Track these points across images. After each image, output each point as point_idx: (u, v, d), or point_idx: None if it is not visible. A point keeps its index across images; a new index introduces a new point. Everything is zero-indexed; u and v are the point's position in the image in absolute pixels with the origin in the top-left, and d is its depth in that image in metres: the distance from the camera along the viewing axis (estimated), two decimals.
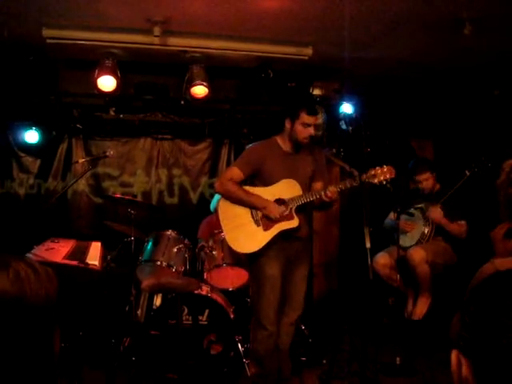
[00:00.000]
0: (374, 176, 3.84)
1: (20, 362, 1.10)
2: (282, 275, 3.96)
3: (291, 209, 3.90)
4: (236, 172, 4.00)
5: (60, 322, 1.23)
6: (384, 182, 3.85)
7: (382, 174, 3.84)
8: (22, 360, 1.11)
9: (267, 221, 3.92)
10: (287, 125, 3.97)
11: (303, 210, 4.02)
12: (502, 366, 0.90)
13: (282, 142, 4.05)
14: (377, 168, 3.86)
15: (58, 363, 1.22)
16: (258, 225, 3.94)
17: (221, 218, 4.06)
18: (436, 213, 5.05)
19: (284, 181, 3.95)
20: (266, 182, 3.98)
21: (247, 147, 4.28)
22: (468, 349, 0.97)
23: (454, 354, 1.01)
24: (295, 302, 4.06)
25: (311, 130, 3.91)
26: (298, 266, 4.04)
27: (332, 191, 3.80)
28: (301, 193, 3.93)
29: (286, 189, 3.94)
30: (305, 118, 3.87)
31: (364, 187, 3.84)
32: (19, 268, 1.15)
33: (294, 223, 3.91)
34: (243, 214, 3.99)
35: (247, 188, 4.03)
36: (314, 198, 3.89)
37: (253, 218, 3.96)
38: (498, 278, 1.02)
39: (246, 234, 3.96)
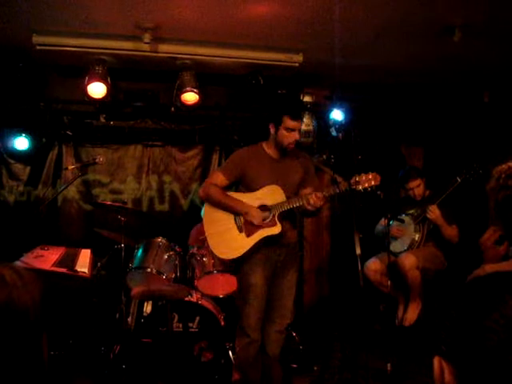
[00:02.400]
0: (358, 183, 3.78)
1: (10, 370, 1.09)
2: (266, 283, 3.94)
3: (274, 215, 3.88)
4: (219, 177, 4.00)
5: (48, 329, 1.23)
6: (369, 189, 3.80)
7: (367, 181, 3.79)
8: (12, 367, 1.10)
9: (250, 227, 3.90)
10: (271, 130, 3.95)
11: (289, 216, 4.00)
12: (486, 369, 0.90)
13: (268, 148, 4.03)
14: (361, 175, 3.81)
15: (48, 370, 1.21)
16: (241, 231, 3.92)
17: (204, 222, 4.05)
18: (435, 212, 5.05)
19: (267, 187, 3.92)
20: (251, 188, 3.96)
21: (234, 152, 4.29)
22: (450, 353, 0.97)
23: (436, 361, 1.01)
24: (283, 310, 4.03)
25: (296, 135, 3.88)
26: (285, 273, 4.02)
27: (316, 197, 3.75)
28: (284, 199, 3.89)
29: (270, 195, 3.91)
30: (288, 122, 3.84)
31: (353, 194, 3.81)
32: (5, 274, 1.15)
33: (276, 230, 3.87)
34: (226, 219, 3.97)
35: (231, 193, 4.03)
36: (298, 204, 3.86)
37: (236, 223, 3.94)
38: (479, 281, 1.02)
39: (228, 239, 3.94)
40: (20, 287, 1.14)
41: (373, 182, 3.81)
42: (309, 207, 3.79)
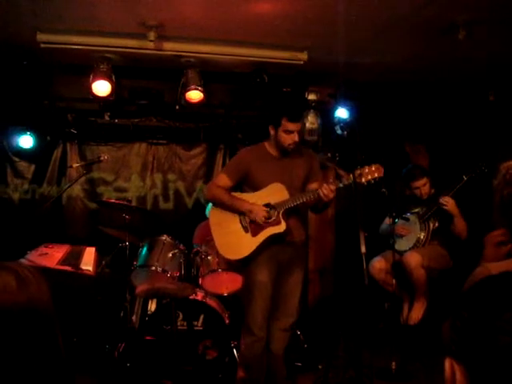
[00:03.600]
0: (361, 175, 3.75)
1: (33, 369, 1.08)
2: (272, 281, 3.94)
3: (279, 213, 3.87)
4: (223, 178, 4.03)
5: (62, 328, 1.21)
6: (372, 181, 3.77)
7: (370, 173, 3.76)
8: (35, 367, 1.09)
9: (255, 226, 3.91)
10: (271, 132, 3.96)
11: (295, 214, 3.99)
12: (499, 369, 0.89)
13: (270, 148, 4.04)
14: (364, 167, 3.77)
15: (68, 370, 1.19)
16: (247, 231, 3.93)
17: (211, 223, 4.08)
18: (450, 202, 5.00)
19: (271, 185, 3.93)
20: (255, 187, 3.98)
21: (237, 153, 4.29)
22: (461, 354, 0.96)
23: (447, 362, 0.99)
24: (288, 308, 4.03)
25: (295, 137, 3.87)
26: (291, 271, 4.02)
27: (328, 188, 3.72)
28: (288, 196, 3.89)
29: (273, 193, 3.91)
30: (287, 124, 3.83)
31: (357, 191, 3.77)
32: (19, 270, 1.13)
33: (281, 228, 3.88)
34: (232, 220, 3.98)
35: (236, 194, 4.03)
36: (302, 200, 3.85)
37: (241, 224, 3.96)
38: (490, 281, 1.01)
39: (234, 240, 3.97)
40: (35, 284, 1.13)
41: (376, 174, 3.78)
42: (324, 198, 3.76)
